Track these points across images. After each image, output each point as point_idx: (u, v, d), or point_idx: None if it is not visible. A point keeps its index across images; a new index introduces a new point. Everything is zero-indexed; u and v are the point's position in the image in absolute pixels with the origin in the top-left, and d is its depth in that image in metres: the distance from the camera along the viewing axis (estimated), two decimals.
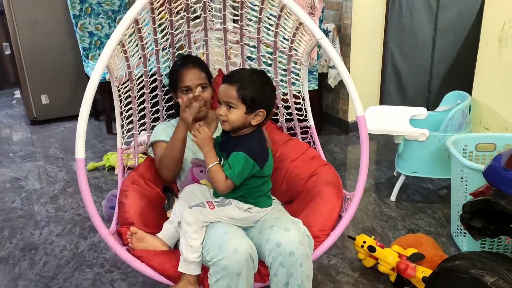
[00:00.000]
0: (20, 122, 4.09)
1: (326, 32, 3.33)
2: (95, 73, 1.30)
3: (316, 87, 3.23)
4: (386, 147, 3.36)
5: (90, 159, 3.21)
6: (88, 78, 4.15)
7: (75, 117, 4.35)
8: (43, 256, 2.20)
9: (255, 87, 1.43)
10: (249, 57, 2.08)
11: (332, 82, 3.43)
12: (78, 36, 3.77)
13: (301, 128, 2.12)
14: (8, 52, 4.72)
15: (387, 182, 2.85)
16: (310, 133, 2.07)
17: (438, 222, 2.40)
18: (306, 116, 2.05)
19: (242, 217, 1.49)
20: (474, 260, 1.42)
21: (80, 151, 1.32)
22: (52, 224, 2.47)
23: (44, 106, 3.96)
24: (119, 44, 1.40)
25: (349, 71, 3.46)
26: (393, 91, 3.70)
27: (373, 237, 2.03)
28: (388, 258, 1.92)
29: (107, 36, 3.91)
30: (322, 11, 3.02)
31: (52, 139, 3.65)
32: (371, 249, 1.97)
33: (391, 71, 3.62)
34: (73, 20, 3.74)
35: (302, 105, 2.05)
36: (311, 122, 2.05)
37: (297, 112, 2.08)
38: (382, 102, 3.69)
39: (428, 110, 2.73)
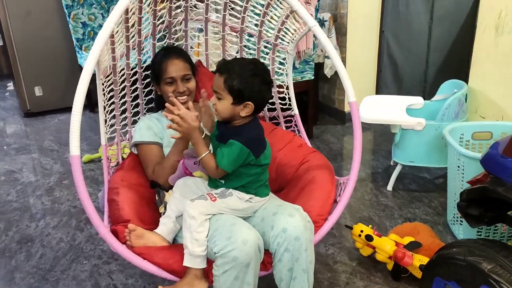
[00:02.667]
0: (13, 114, 4.05)
1: (322, 22, 3.31)
2: (87, 66, 1.27)
3: (312, 77, 3.21)
4: (383, 136, 3.36)
5: (85, 151, 3.18)
6: (82, 69, 4.11)
7: (69, 109, 4.27)
8: (40, 248, 2.19)
9: (244, 79, 1.38)
10: (231, 47, 2.04)
11: (328, 72, 3.42)
12: (71, 26, 3.73)
13: (284, 117, 2.11)
14: (0, 43, 4.66)
15: (383, 172, 2.85)
16: (295, 121, 2.06)
17: (435, 211, 2.41)
18: (290, 105, 2.04)
19: (243, 208, 1.48)
20: (471, 247, 1.42)
21: (74, 148, 1.29)
22: (48, 216, 2.46)
23: (38, 98, 3.93)
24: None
25: (345, 61, 3.46)
26: (389, 80, 3.69)
27: (370, 226, 2.03)
28: (385, 246, 1.92)
29: (100, 27, 3.84)
30: (318, 0, 3.00)
31: (47, 131, 3.62)
32: (369, 238, 1.97)
33: (387, 61, 3.61)
34: (65, 10, 3.69)
35: (285, 94, 2.04)
36: (295, 111, 2.04)
37: (280, 101, 2.07)
38: (379, 91, 3.69)
39: (424, 99, 2.72)
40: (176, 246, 1.49)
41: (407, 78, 3.72)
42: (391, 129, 2.56)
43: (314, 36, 3.10)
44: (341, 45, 3.45)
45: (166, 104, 1.48)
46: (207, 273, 1.41)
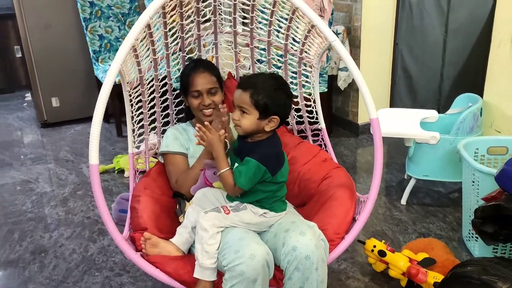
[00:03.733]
0: (30, 124, 4.12)
1: (336, 34, 3.31)
2: (108, 78, 1.29)
3: (326, 90, 3.21)
4: (397, 149, 3.33)
5: (100, 162, 3.18)
6: (98, 80, 4.19)
7: (85, 119, 4.41)
8: (53, 259, 2.21)
9: (269, 93, 1.41)
10: (259, 60, 2.07)
11: (341, 84, 3.41)
12: (88, 39, 3.80)
13: (312, 130, 2.11)
14: (19, 55, 4.76)
15: (397, 185, 2.82)
16: (321, 135, 2.06)
17: (450, 226, 2.37)
18: (317, 118, 2.04)
19: (257, 222, 1.48)
20: (486, 266, 1.40)
21: (94, 157, 1.32)
22: (62, 227, 2.48)
23: (55, 109, 3.99)
24: (131, 48, 1.40)
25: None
26: (403, 93, 3.67)
27: (383, 241, 2.01)
28: (399, 262, 1.90)
29: (117, 39, 3.93)
30: (332, 13, 3.01)
31: (63, 142, 3.67)
32: (382, 253, 1.95)
33: (401, 73, 3.60)
34: (83, 23, 3.76)
35: (313, 107, 2.04)
36: (322, 125, 2.04)
37: (308, 114, 2.07)
38: (393, 104, 3.66)
39: (439, 112, 2.70)
40: (189, 256, 1.50)
41: (421, 91, 3.70)
42: (405, 142, 2.54)
43: (328, 49, 3.11)
44: (355, 57, 3.45)
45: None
46: (217, 286, 1.40)
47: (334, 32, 3.30)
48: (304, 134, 2.12)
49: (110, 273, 2.09)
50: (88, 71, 3.99)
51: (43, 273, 2.11)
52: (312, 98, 2.04)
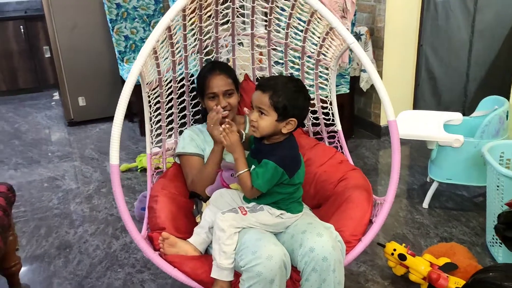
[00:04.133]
0: (58, 123, 4.23)
1: (358, 35, 3.29)
2: (130, 79, 1.33)
3: (348, 91, 3.20)
4: (419, 151, 3.29)
5: (123, 160, 3.28)
6: (123, 81, 4.26)
7: (110, 118, 4.45)
8: (77, 255, 2.27)
9: (288, 96, 1.42)
10: (276, 62, 2.08)
11: (364, 85, 3.39)
12: (114, 40, 3.87)
13: (328, 132, 2.11)
14: (48, 55, 4.89)
15: (419, 188, 2.79)
16: (338, 137, 2.05)
17: (473, 231, 2.33)
18: (333, 120, 2.03)
19: (273, 223, 1.49)
20: (509, 272, 1.37)
21: (114, 157, 1.34)
22: (87, 223, 2.55)
23: (81, 108, 4.09)
24: (152, 50, 1.43)
25: (381, 75, 3.42)
26: (427, 95, 3.62)
27: (403, 244, 1.99)
28: (420, 267, 1.88)
29: (142, 40, 4.00)
30: (355, 14, 2.99)
31: (88, 140, 3.76)
32: (402, 257, 1.93)
33: (425, 75, 3.55)
34: (109, 25, 3.84)
35: (329, 109, 2.04)
36: (338, 127, 2.03)
37: (324, 116, 2.07)
38: (416, 106, 3.62)
39: (464, 115, 2.66)
40: (206, 256, 1.52)
41: (446, 93, 3.64)
42: (427, 145, 2.50)
43: (350, 49, 3.10)
44: (378, 58, 3.42)
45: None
46: (234, 286, 1.42)
47: (356, 33, 3.28)
48: (320, 136, 2.12)
49: (132, 269, 2.13)
50: (113, 71, 4.07)
51: (67, 268, 2.17)
52: (328, 100, 2.04)
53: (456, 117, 2.61)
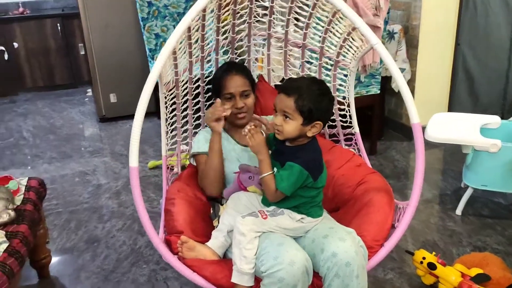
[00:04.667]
0: (91, 119, 4.32)
1: (391, 34, 3.20)
2: (150, 80, 1.32)
3: (378, 91, 3.11)
4: (454, 155, 3.17)
5: (151, 157, 3.32)
6: None
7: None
8: (104, 250, 2.30)
9: (313, 99, 1.39)
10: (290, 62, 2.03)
11: (395, 86, 3.29)
12: (145, 37, 3.91)
13: (344, 135, 2.05)
14: (82, 52, 5.00)
15: (453, 194, 2.69)
16: (355, 140, 2.00)
17: (509, 241, 2.22)
18: (350, 122, 1.98)
19: (294, 227, 1.46)
20: None
21: (133, 160, 1.34)
22: (114, 219, 2.58)
23: (112, 104, 4.16)
24: (172, 51, 1.42)
25: (415, 75, 3.32)
26: (464, 96, 3.49)
27: (434, 253, 1.92)
28: (450, 277, 1.81)
29: None
30: (388, 12, 2.91)
31: (118, 136, 3.82)
32: (431, 266, 1.86)
33: (462, 75, 3.42)
34: (141, 23, 3.88)
35: (346, 111, 1.98)
36: (356, 129, 1.98)
37: (341, 118, 2.02)
38: (451, 108, 3.49)
39: (502, 118, 2.54)
40: (225, 261, 1.50)
41: (484, 94, 3.49)
42: (462, 149, 2.41)
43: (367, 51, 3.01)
44: (412, 58, 3.32)
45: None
46: None
47: (390, 31, 3.19)
48: (336, 138, 2.07)
49: (156, 266, 2.15)
50: (144, 69, 4.12)
51: (94, 262, 2.20)
52: (346, 102, 1.98)
53: (493, 120, 2.49)
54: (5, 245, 1.48)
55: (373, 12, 2.82)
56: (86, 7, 3.87)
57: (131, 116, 4.53)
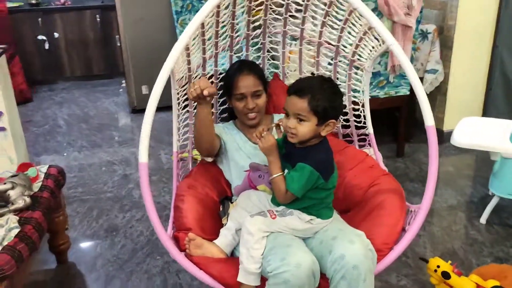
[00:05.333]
0: (124, 109, 4.43)
1: (425, 34, 3.10)
2: (161, 76, 1.34)
3: (408, 92, 3.02)
4: (484, 162, 3.04)
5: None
6: None
7: (169, 107, 4.54)
8: (122, 239, 2.36)
9: (327, 98, 1.37)
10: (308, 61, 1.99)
11: (427, 87, 3.19)
12: (178, 31, 3.96)
13: (358, 135, 2.01)
14: (119, 44, 5.12)
15: (479, 202, 2.58)
16: (368, 140, 1.96)
17: None
18: (364, 123, 1.94)
19: (303, 228, 1.45)
20: None
21: (143, 156, 1.35)
22: (135, 209, 2.64)
23: (144, 96, 4.24)
24: (185, 46, 1.43)
25: (448, 77, 3.21)
26: (500, 101, 3.33)
27: (449, 262, 1.85)
28: None
29: None
30: (421, 11, 2.81)
31: None
32: (445, 275, 1.79)
33: (499, 79, 3.27)
34: (174, 16, 3.94)
35: (361, 111, 1.94)
36: (370, 130, 1.93)
37: (355, 119, 1.98)
38: (486, 112, 3.35)
39: None
40: (232, 259, 1.50)
41: None
42: (490, 156, 2.31)
43: (414, 49, 2.93)
44: (445, 59, 3.20)
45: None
46: None
47: (423, 31, 3.09)
48: (349, 139, 2.03)
49: (169, 258, 2.18)
50: None
51: (112, 251, 2.27)
52: (360, 102, 1.93)
53: None
54: (16, 230, 1.55)
55: (405, 11, 2.74)
56: (122, 0, 3.96)
57: (161, 109, 4.60)
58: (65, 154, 3.43)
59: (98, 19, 5.10)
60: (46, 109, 4.46)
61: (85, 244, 2.34)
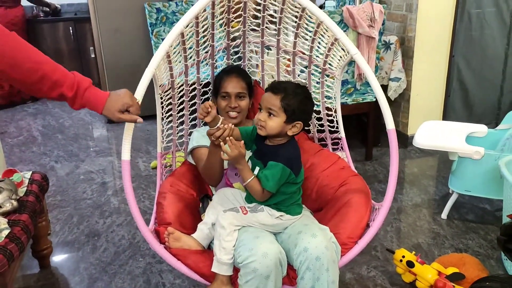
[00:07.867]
0: (99, 120, 4.47)
1: (388, 44, 3.31)
2: (142, 82, 1.46)
3: (374, 99, 3.22)
4: (446, 163, 3.26)
5: (155, 158, 3.45)
6: None
7: (146, 117, 4.61)
8: (104, 243, 2.43)
9: (298, 100, 1.51)
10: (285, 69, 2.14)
11: (392, 94, 3.40)
12: (153, 43, 4.07)
13: (332, 139, 2.16)
14: (93, 55, 5.17)
15: (440, 199, 2.78)
16: (341, 144, 2.11)
17: (490, 244, 2.31)
18: (337, 128, 2.09)
19: (272, 224, 1.57)
20: (505, 282, 1.39)
21: (126, 153, 1.46)
22: (115, 215, 2.71)
23: None
24: (165, 54, 1.54)
25: (410, 84, 3.42)
26: (458, 106, 3.58)
27: (413, 252, 2.01)
28: (427, 275, 1.90)
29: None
30: (383, 24, 3.02)
31: None
32: (410, 264, 1.96)
33: (456, 86, 3.51)
34: (149, 28, 4.04)
35: (334, 117, 2.10)
36: (342, 134, 2.09)
37: (329, 124, 2.13)
38: (446, 117, 3.58)
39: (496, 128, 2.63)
40: (208, 251, 1.61)
41: (478, 104, 3.59)
42: (449, 156, 2.50)
43: (378, 58, 3.13)
44: (407, 68, 3.42)
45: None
46: (234, 281, 1.50)
47: (386, 42, 3.30)
48: (324, 143, 2.18)
49: (152, 259, 2.27)
50: None
51: (94, 255, 2.33)
52: (333, 108, 2.09)
53: (480, 129, 2.59)
54: (7, 231, 1.62)
55: (368, 24, 2.94)
56: (97, 12, 4.03)
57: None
58: (36, 165, 3.46)
59: (71, 31, 5.14)
60: (19, 121, 4.46)
61: (67, 249, 2.39)
